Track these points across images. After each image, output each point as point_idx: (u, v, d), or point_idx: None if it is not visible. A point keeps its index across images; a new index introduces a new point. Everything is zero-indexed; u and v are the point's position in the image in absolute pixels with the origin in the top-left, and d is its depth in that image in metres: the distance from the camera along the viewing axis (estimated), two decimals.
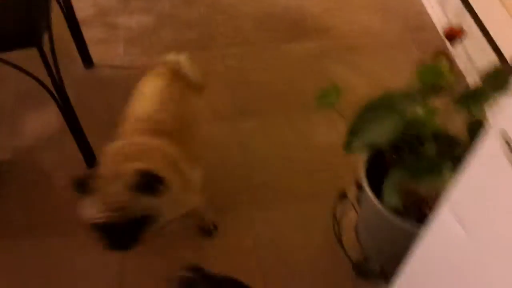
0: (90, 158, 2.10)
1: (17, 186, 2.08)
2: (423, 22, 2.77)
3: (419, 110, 1.44)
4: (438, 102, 1.43)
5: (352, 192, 1.95)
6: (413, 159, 1.44)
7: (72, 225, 1.94)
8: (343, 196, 1.93)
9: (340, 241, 1.89)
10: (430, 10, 2.81)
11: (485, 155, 1.03)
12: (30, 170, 2.13)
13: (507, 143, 0.91)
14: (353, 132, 1.48)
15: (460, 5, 2.45)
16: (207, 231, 1.93)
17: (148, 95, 1.73)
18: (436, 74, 1.47)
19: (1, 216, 2.01)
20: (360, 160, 1.63)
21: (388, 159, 1.63)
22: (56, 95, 1.90)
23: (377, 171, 1.58)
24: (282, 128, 2.28)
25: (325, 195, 2.01)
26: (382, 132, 1.45)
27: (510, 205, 0.93)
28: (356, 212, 1.92)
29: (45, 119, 2.26)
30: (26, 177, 2.11)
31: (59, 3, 2.19)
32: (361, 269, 1.81)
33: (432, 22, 2.75)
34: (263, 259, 1.88)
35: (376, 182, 1.57)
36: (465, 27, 1.70)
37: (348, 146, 1.48)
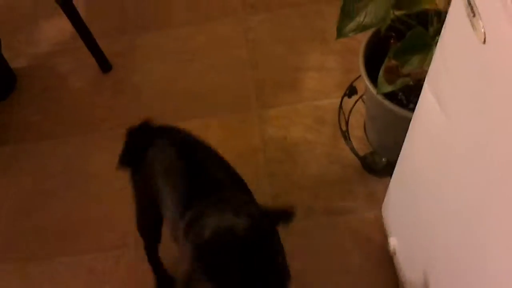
0: (103, 63, 2.12)
1: (36, 91, 2.14)
2: None
3: None
4: None
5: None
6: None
7: (89, 124, 2.02)
8: (352, 91, 1.85)
9: (346, 136, 1.84)
10: None
11: (452, 23, 0.95)
12: (47, 76, 2.19)
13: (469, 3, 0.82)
14: (345, 13, 1.39)
15: None
16: None
17: None
18: None
19: (21, 120, 2.08)
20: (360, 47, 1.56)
21: (391, 47, 1.54)
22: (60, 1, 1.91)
23: (381, 62, 1.50)
24: (292, 22, 2.20)
25: (335, 91, 1.95)
26: (375, 11, 1.36)
27: (477, 78, 0.86)
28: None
29: (59, 26, 2.27)
30: (43, 82, 2.17)
31: None
32: (367, 163, 1.78)
33: None
34: (270, 157, 1.88)
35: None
36: None
37: (340, 29, 1.40)
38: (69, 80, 2.13)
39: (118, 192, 1.84)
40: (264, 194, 1.79)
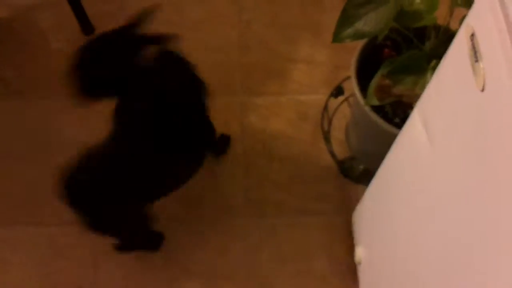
0: (85, 24, 2.02)
1: (13, 44, 2.04)
2: None
3: (418, 1, 1.29)
4: None
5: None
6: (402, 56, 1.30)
7: (63, 88, 1.94)
8: (339, 91, 1.81)
9: (327, 137, 1.81)
10: None
11: (451, 61, 0.91)
12: (27, 30, 2.07)
13: (471, 37, 0.78)
14: (345, 18, 1.34)
15: None
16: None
17: None
18: None
19: None
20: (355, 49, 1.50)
21: (385, 56, 1.50)
22: None
23: (373, 69, 1.46)
24: (290, 8, 2.11)
25: (322, 88, 1.90)
26: (375, 20, 1.30)
27: (469, 121, 0.83)
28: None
29: None
30: (22, 36, 2.06)
31: None
32: (345, 167, 1.75)
33: None
34: (248, 148, 1.83)
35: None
36: None
37: (337, 33, 1.35)
38: (48, 38, 2.02)
39: None
40: (237, 186, 1.77)
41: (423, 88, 1.06)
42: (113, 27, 2.02)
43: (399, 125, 1.28)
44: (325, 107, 1.85)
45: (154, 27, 2.05)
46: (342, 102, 1.84)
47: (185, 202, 1.75)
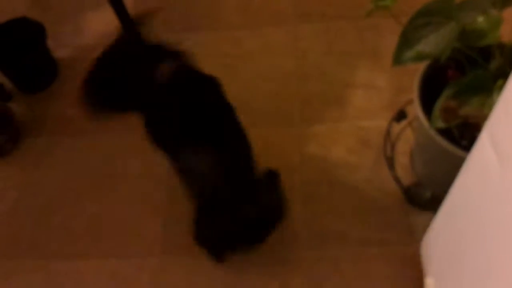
0: None
1: (76, 84, 2.07)
2: None
3: (481, 19, 1.23)
4: (505, 13, 1.22)
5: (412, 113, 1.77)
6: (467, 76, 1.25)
7: (127, 124, 1.98)
8: (401, 115, 1.76)
9: (391, 163, 1.75)
10: None
11: None
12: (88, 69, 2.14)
13: None
14: (404, 40, 1.31)
15: None
16: None
17: None
18: None
19: (59, 113, 2.06)
20: (416, 74, 1.46)
21: (449, 77, 1.45)
22: None
23: (437, 91, 1.41)
24: (346, 35, 2.11)
25: (383, 113, 1.85)
26: (436, 41, 1.27)
27: None
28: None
29: (106, 19, 2.22)
30: (83, 75, 2.12)
31: None
32: (410, 194, 1.68)
33: None
34: (308, 177, 1.79)
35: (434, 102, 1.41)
36: None
37: (398, 56, 1.32)
38: None
39: (150, 197, 1.84)
40: (298, 217, 1.72)
41: (490, 108, 1.00)
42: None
43: (467, 148, 1.22)
44: (388, 132, 1.80)
45: (211, 59, 2.10)
46: (405, 127, 1.79)
47: None
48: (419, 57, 1.30)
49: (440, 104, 1.25)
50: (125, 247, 1.76)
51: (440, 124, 1.28)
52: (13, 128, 2.04)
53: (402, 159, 1.76)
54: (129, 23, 1.98)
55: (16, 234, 1.84)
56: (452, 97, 1.20)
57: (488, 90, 1.16)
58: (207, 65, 2.12)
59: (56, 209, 1.87)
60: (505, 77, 0.98)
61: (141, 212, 1.82)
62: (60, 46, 2.21)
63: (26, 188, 1.94)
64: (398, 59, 1.31)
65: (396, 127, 1.80)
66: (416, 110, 1.43)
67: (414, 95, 1.45)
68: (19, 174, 1.98)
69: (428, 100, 1.44)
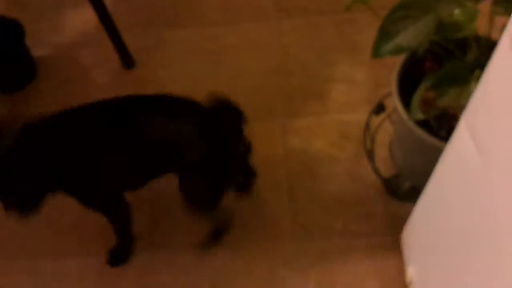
0: (127, 58, 2.07)
1: (56, 82, 2.10)
2: None
3: (457, 12, 1.26)
4: (481, 6, 1.24)
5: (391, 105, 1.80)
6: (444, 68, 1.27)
7: None
8: (380, 108, 1.79)
9: (371, 155, 1.78)
10: None
11: (497, 64, 0.88)
12: (69, 67, 2.14)
13: None
14: (383, 33, 1.32)
15: None
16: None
17: None
18: None
19: (39, 111, 2.01)
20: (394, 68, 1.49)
21: (427, 69, 1.47)
22: None
23: (415, 83, 1.43)
24: (326, 30, 2.12)
25: (363, 106, 1.88)
26: (414, 34, 1.29)
27: None
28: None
29: (85, 17, 2.21)
30: (64, 74, 2.13)
31: None
32: (390, 186, 1.71)
33: None
34: (291, 170, 1.81)
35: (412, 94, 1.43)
36: None
37: (377, 49, 1.33)
38: (90, 74, 2.08)
39: (135, 193, 1.83)
40: (283, 209, 1.75)
41: (467, 98, 1.03)
42: (153, 60, 2.10)
43: (445, 138, 1.25)
44: (367, 125, 1.82)
45: (194, 56, 2.10)
46: (384, 119, 1.82)
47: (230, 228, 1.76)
48: (398, 50, 1.32)
49: (418, 95, 1.27)
50: (110, 244, 1.76)
51: (419, 115, 1.30)
52: None
53: (381, 151, 1.79)
54: (108, 20, 1.98)
55: (1, 235, 1.83)
56: (430, 88, 1.22)
57: (465, 81, 1.19)
58: (190, 61, 2.14)
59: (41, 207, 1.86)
60: (482, 68, 1.01)
61: None
62: (39, 45, 2.19)
63: None
64: (377, 52, 1.33)
65: (376, 120, 1.83)
66: (395, 102, 1.45)
67: (393, 87, 1.47)
68: None
69: (406, 93, 1.46)
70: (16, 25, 2.08)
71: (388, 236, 1.66)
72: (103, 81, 2.09)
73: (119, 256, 1.73)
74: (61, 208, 1.80)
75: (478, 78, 1.14)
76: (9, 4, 2.43)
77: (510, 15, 1.05)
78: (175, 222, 1.74)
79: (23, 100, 2.11)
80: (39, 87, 2.13)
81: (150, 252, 1.71)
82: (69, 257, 1.75)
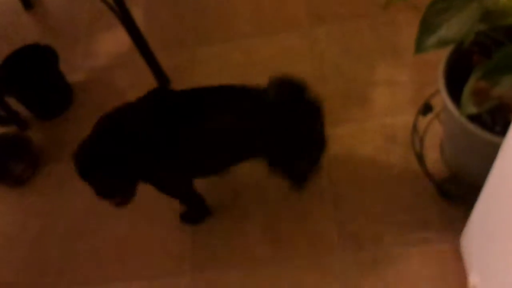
0: (161, 77, 2.05)
1: (93, 106, 2.09)
2: None
3: None
4: None
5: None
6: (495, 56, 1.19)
7: None
8: (427, 108, 1.70)
9: (421, 158, 1.69)
10: None
11: None
12: (105, 90, 2.14)
13: None
14: (425, 26, 1.25)
15: None
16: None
17: None
18: None
19: (77, 136, 1.99)
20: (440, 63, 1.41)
21: (475, 63, 1.39)
22: (119, 13, 1.84)
23: (463, 79, 1.35)
24: (362, 33, 2.06)
25: (408, 108, 1.80)
26: (459, 25, 1.21)
27: None
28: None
29: (118, 39, 2.21)
30: (100, 98, 2.12)
31: None
32: (444, 189, 1.62)
33: None
34: (335, 179, 1.75)
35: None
36: None
37: (420, 44, 1.26)
38: (126, 95, 2.05)
39: (175, 214, 1.80)
40: (328, 220, 1.68)
41: None
42: (188, 77, 2.08)
43: (501, 133, 1.17)
44: (414, 127, 1.74)
45: (227, 70, 2.07)
46: (432, 120, 1.73)
47: (275, 242, 1.69)
48: (442, 43, 1.24)
49: (470, 87, 1.19)
50: (153, 267, 1.73)
51: (472, 109, 1.22)
52: (31, 156, 2.03)
53: (432, 154, 1.70)
54: (141, 41, 1.96)
55: (42, 263, 1.82)
56: (481, 78, 1.14)
57: None
58: (224, 76, 2.11)
59: (81, 235, 1.85)
60: None
61: (167, 230, 1.79)
62: (74, 70, 2.20)
63: (49, 216, 1.92)
64: (420, 47, 1.25)
65: (423, 121, 1.74)
66: (443, 98, 1.37)
67: (440, 83, 1.39)
68: (41, 201, 1.96)
69: (454, 89, 1.38)
70: (50, 52, 2.10)
71: (445, 243, 1.57)
72: None
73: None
74: (99, 234, 1.82)
75: None
76: (43, 31, 2.47)
77: None
78: None
79: (62, 126, 2.11)
80: (76, 112, 2.14)
81: (194, 270, 1.68)
82: (111, 283, 1.73)
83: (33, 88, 2.10)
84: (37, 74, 2.08)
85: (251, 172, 1.76)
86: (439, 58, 1.42)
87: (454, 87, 1.38)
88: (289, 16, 2.21)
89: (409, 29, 1.81)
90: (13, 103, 2.13)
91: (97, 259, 1.78)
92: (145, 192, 1.84)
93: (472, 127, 1.30)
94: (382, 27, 2.05)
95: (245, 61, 2.10)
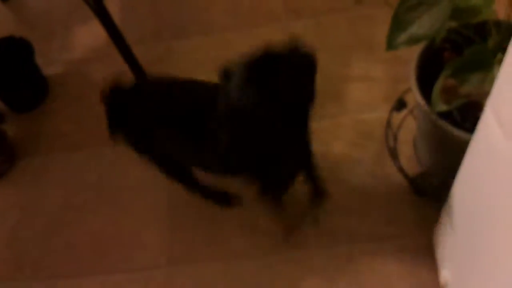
0: (137, 71, 2.02)
1: (69, 99, 2.09)
2: None
3: None
4: None
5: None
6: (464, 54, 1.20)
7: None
8: (401, 105, 1.71)
9: (394, 154, 1.70)
10: None
11: None
12: (81, 84, 2.13)
13: None
14: (397, 23, 1.26)
15: None
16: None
17: None
18: None
19: (53, 130, 2.03)
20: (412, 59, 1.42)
21: (446, 60, 1.40)
22: (94, 6, 1.82)
23: (434, 75, 1.36)
24: (338, 28, 2.06)
25: (383, 104, 1.80)
26: (430, 22, 1.22)
27: None
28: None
29: (94, 32, 2.18)
30: (76, 91, 2.11)
31: None
32: (417, 184, 1.63)
33: None
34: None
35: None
36: None
37: (391, 41, 1.27)
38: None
39: (152, 207, 1.80)
40: (303, 215, 1.69)
41: (492, 83, 0.96)
42: (164, 71, 2.06)
43: (471, 130, 1.17)
44: (388, 123, 1.75)
45: (204, 64, 2.06)
46: (406, 116, 1.74)
47: (252, 236, 1.70)
48: (414, 40, 1.25)
49: (439, 84, 1.20)
50: (130, 260, 1.73)
51: (442, 106, 1.23)
52: (8, 149, 2.01)
53: (405, 149, 1.71)
54: (117, 35, 1.95)
55: (19, 257, 1.81)
56: (450, 76, 1.15)
57: (487, 66, 1.12)
58: (200, 70, 2.09)
59: (58, 228, 1.84)
60: (504, 53, 0.93)
61: (144, 223, 1.79)
62: (50, 63, 2.19)
63: (26, 209, 1.91)
64: (391, 44, 1.26)
65: (397, 117, 1.75)
66: (415, 95, 1.38)
67: (412, 80, 1.40)
68: (18, 194, 1.95)
69: (426, 86, 1.38)
70: (26, 44, 2.08)
71: (418, 238, 1.58)
72: None
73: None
74: (76, 226, 1.81)
75: (501, 62, 1.07)
76: (18, 23, 2.44)
77: None
78: None
79: (38, 119, 2.10)
80: (52, 105, 2.12)
81: (171, 264, 1.68)
82: (88, 276, 1.72)
83: (8, 81, 2.07)
84: (12, 67, 2.06)
85: None
86: (413, 54, 1.42)
87: (427, 83, 1.39)
88: (267, 10, 2.20)
89: (385, 26, 1.83)
90: None
91: (74, 253, 1.78)
92: (123, 185, 1.85)
93: (442, 123, 1.31)
94: (359, 22, 2.05)
95: (221, 54, 2.07)
